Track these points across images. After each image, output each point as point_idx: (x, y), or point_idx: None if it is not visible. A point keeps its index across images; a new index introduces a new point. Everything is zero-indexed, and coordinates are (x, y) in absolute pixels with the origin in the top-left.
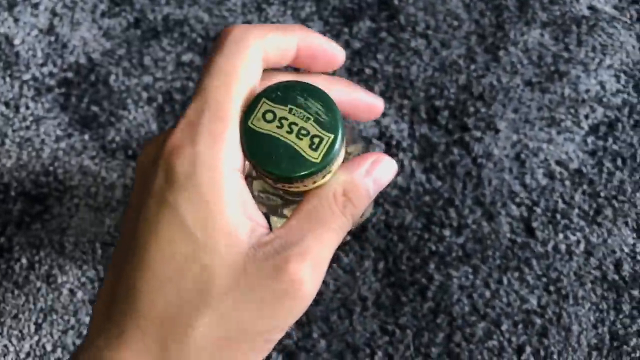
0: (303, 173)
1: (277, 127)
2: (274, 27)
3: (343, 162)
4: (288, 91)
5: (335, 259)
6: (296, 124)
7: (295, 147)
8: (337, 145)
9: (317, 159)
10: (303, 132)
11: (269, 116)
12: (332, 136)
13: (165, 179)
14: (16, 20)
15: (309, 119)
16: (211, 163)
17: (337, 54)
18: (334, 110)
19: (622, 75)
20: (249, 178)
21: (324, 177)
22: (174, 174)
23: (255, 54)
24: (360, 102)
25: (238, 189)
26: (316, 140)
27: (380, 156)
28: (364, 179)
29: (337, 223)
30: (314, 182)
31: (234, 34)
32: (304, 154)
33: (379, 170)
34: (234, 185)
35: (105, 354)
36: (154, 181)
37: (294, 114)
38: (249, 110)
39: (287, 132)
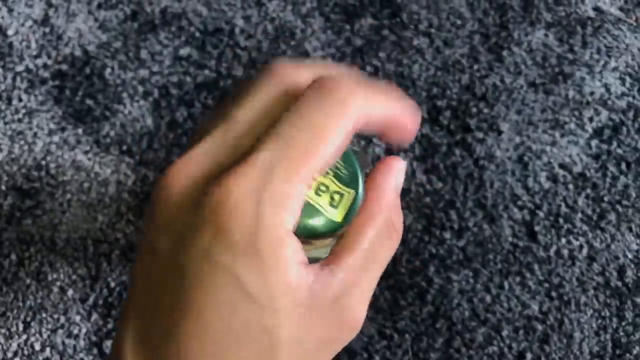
0: (323, 231)
1: None
2: (377, 93)
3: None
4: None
5: None
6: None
7: (315, 204)
8: (358, 202)
9: (338, 217)
10: (322, 188)
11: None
12: (353, 192)
13: (217, 240)
14: (10, 11)
15: (328, 173)
16: (274, 226)
17: (412, 131)
18: (353, 163)
19: (627, 78)
20: None
21: (349, 224)
22: (229, 239)
23: (353, 125)
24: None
25: (295, 245)
26: (336, 197)
27: (394, 168)
28: (397, 200)
29: (389, 255)
30: (332, 238)
31: (340, 92)
32: (324, 212)
33: (399, 179)
34: (292, 243)
35: None
36: (197, 236)
37: None
38: None
39: None
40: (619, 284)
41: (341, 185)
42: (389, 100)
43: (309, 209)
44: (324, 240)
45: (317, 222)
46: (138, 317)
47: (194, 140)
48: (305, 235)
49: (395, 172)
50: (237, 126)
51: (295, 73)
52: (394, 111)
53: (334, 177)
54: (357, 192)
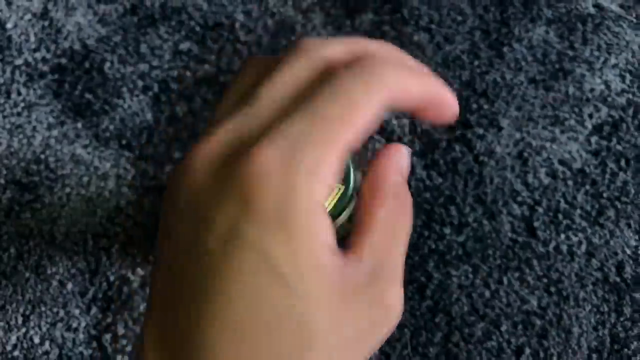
0: None
1: None
2: (412, 70)
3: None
4: None
5: None
6: None
7: None
8: (347, 197)
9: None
10: None
11: None
12: (342, 187)
13: (244, 213)
14: (9, 4)
15: None
16: (306, 197)
17: (452, 108)
18: (346, 160)
19: (627, 74)
20: None
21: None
22: (258, 212)
23: (386, 99)
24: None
25: (327, 222)
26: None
27: (395, 151)
28: (403, 181)
29: (407, 233)
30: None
31: (374, 67)
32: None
33: (403, 162)
34: (324, 219)
35: None
36: (222, 212)
37: None
38: None
39: None
40: (618, 279)
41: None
42: (424, 77)
43: None
44: None
45: None
46: (161, 311)
47: (213, 123)
48: None
49: (397, 155)
50: (263, 103)
51: (324, 48)
52: (431, 88)
53: None
54: (347, 188)
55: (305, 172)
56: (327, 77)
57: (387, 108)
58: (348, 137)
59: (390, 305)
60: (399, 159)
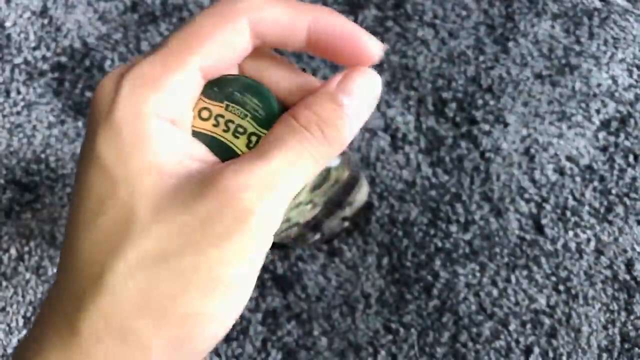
0: None
1: (214, 125)
2: (281, 1)
3: None
4: (224, 87)
5: (338, 253)
6: (232, 122)
7: (232, 146)
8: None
9: None
10: (240, 130)
11: (205, 114)
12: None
13: (90, 123)
14: (8, 2)
15: (246, 115)
16: (132, 101)
17: (366, 46)
18: (272, 105)
19: (634, 69)
20: None
21: None
22: (92, 116)
23: (242, 23)
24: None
25: (172, 132)
26: (253, 138)
27: (352, 69)
28: (333, 94)
29: (306, 145)
30: None
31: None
32: (240, 153)
33: (353, 82)
34: (165, 126)
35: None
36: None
37: (230, 111)
38: None
39: (224, 130)
40: (627, 277)
41: (258, 127)
42: (300, 9)
43: (226, 151)
44: None
45: None
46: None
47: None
48: None
49: (336, 77)
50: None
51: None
52: (328, 23)
53: (251, 119)
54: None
55: (133, 81)
56: None
57: (257, 37)
58: (192, 57)
59: (229, 193)
60: (359, 78)
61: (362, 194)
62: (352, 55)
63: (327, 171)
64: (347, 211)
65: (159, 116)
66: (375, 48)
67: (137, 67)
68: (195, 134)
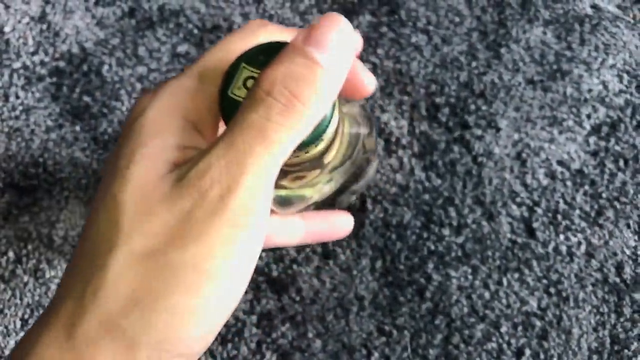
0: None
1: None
2: (283, 30)
3: (338, 125)
4: (270, 54)
5: (332, 256)
6: None
7: None
8: (327, 123)
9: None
10: None
11: (250, 83)
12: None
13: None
14: (7, 7)
15: None
16: (160, 110)
17: (364, 82)
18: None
19: (625, 75)
20: None
21: (316, 146)
22: (129, 120)
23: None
24: (353, 77)
25: (170, 128)
26: None
27: (323, 18)
28: (304, 49)
29: (271, 115)
30: (307, 152)
31: (251, 23)
32: None
33: (325, 33)
34: (166, 123)
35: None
36: None
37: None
38: (228, 77)
39: None
40: (617, 280)
41: None
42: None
43: None
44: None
45: None
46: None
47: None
48: None
49: (306, 29)
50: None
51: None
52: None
53: None
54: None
55: (162, 95)
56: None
57: None
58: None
59: (201, 188)
60: (330, 27)
61: (373, 168)
62: (349, 89)
63: (357, 139)
64: (357, 186)
65: (171, 117)
66: (370, 83)
67: (166, 84)
68: (237, 102)
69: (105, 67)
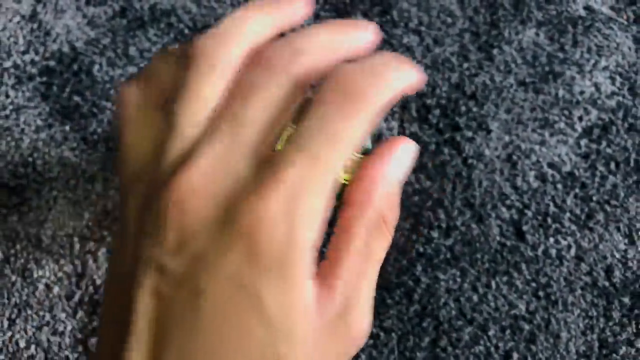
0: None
1: None
2: (391, 76)
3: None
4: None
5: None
6: None
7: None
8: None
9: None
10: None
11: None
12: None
13: (249, 264)
14: None
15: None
16: (305, 248)
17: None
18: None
19: (617, 77)
20: None
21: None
22: (262, 263)
23: (374, 118)
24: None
25: (313, 254)
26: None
27: (394, 147)
28: (394, 192)
29: (383, 254)
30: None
31: (356, 89)
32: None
33: (400, 168)
34: (311, 256)
35: None
36: (224, 261)
37: None
38: None
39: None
40: (607, 283)
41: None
42: (401, 78)
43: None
44: None
45: None
46: (147, 342)
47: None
48: None
49: (396, 157)
50: (248, 130)
51: (299, 64)
52: (406, 86)
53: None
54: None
55: (305, 221)
56: (310, 101)
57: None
58: (339, 168)
59: (360, 338)
60: (397, 161)
61: None
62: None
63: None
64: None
65: (313, 246)
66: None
67: (303, 203)
68: None
69: (96, 67)
